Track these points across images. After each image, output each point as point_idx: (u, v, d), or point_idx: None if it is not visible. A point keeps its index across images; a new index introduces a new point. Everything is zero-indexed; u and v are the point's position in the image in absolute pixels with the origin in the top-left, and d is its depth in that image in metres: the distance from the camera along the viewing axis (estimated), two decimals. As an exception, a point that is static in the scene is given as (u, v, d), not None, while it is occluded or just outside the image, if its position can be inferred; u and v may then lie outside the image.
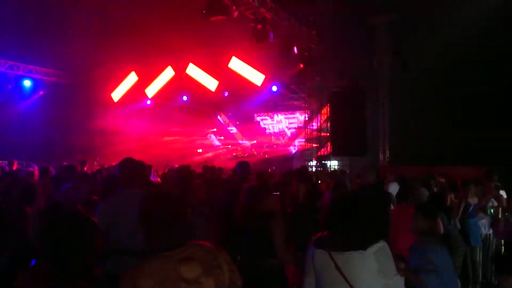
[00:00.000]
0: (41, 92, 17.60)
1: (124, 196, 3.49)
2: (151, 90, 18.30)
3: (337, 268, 2.25)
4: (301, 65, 14.55)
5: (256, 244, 3.37)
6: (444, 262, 3.05)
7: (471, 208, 6.09)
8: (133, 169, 3.66)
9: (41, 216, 3.53)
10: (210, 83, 17.76)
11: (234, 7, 10.76)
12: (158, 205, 2.03)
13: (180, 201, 2.09)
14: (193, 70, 17.03)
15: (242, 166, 5.22)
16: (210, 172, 10.17)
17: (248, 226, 3.42)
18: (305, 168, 10.25)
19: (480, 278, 5.95)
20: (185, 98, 21.17)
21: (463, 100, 13.74)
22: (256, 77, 16.98)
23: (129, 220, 2.99)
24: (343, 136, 15.46)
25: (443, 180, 8.74)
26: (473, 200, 6.18)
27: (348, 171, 15.46)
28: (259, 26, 11.62)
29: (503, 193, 7.37)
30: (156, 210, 2.00)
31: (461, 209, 6.01)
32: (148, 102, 19.53)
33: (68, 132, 18.05)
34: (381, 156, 16.30)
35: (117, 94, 18.52)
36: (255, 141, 24.59)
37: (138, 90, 19.04)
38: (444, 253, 3.12)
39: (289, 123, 23.48)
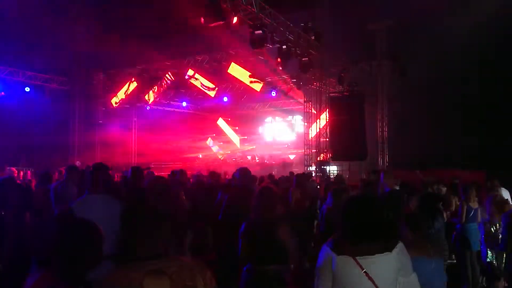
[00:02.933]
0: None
1: (92, 200, 3.49)
2: (151, 95, 18.33)
3: (365, 273, 2.25)
4: (300, 71, 14.57)
5: (263, 249, 3.36)
6: (424, 273, 3.01)
7: (472, 212, 6.10)
8: (101, 174, 3.66)
9: (49, 224, 3.56)
10: (210, 88, 17.83)
11: (233, 13, 10.81)
12: (141, 214, 1.98)
13: (163, 213, 2.04)
14: (192, 76, 17.08)
15: (242, 172, 5.18)
16: (213, 177, 10.17)
17: (258, 232, 3.40)
18: (303, 174, 10.24)
19: (480, 282, 5.93)
20: (184, 104, 21.23)
21: (461, 105, 13.79)
22: (255, 82, 17.04)
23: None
24: (342, 141, 15.48)
25: (443, 187, 8.76)
26: (474, 205, 6.18)
27: (347, 176, 15.51)
28: (258, 32, 11.66)
29: (506, 193, 7.39)
30: (138, 219, 1.96)
31: (464, 214, 6.03)
32: (148, 107, 19.53)
33: (67, 136, 18.09)
34: (380, 161, 16.31)
35: (116, 100, 18.55)
36: (254, 146, 24.63)
37: (137, 95, 19.08)
38: (426, 264, 3.06)
39: (288, 128, 23.52)
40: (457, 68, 13.30)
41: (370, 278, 2.25)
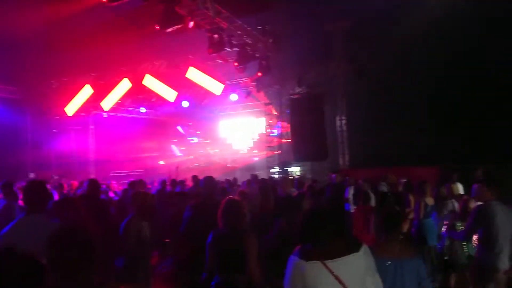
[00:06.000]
0: None
1: (28, 222, 3.18)
2: (107, 103, 17.81)
3: (335, 276, 2.28)
4: (259, 73, 14.61)
5: (228, 260, 3.37)
6: (395, 274, 3.07)
7: (428, 208, 6.31)
8: (37, 193, 3.35)
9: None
10: (169, 93, 17.51)
11: (190, 18, 10.68)
12: (66, 244, 1.83)
13: (91, 241, 1.90)
14: (150, 81, 16.73)
15: (207, 182, 5.09)
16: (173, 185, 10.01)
17: (224, 243, 3.40)
18: (267, 179, 10.29)
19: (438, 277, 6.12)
20: (143, 109, 20.79)
21: (416, 103, 14.29)
22: (215, 86, 16.91)
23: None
24: (304, 141, 15.68)
25: (404, 180, 9.07)
26: (429, 201, 6.40)
27: (310, 176, 15.72)
28: (216, 36, 11.59)
29: (460, 187, 7.72)
30: (63, 251, 1.82)
31: (422, 209, 6.22)
32: (105, 115, 18.98)
33: (19, 148, 17.27)
34: (341, 160, 16.63)
35: (71, 108, 17.89)
36: (217, 150, 24.47)
37: (93, 103, 18.53)
38: (386, 266, 3.08)
39: (250, 131, 23.53)
40: (412, 68, 13.79)
41: (340, 281, 2.29)
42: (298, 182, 9.30)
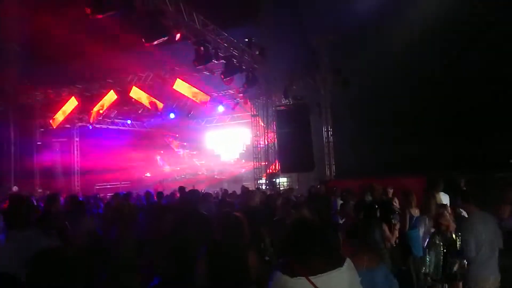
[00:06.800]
0: None
1: (12, 239, 3.11)
2: (93, 114, 17.67)
3: None
4: (245, 85, 14.68)
5: (225, 274, 3.31)
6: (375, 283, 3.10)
7: (413, 219, 6.31)
8: (20, 208, 3.26)
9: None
10: (155, 105, 17.46)
11: (176, 30, 10.71)
12: (47, 268, 1.79)
13: (75, 264, 1.87)
14: (136, 93, 16.66)
15: (190, 195, 5.08)
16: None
17: (222, 255, 3.35)
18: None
19: (425, 288, 6.14)
20: (129, 121, 20.68)
21: (401, 113, 14.48)
22: (201, 98, 16.93)
23: (14, 268, 2.30)
24: (290, 153, 15.74)
25: (391, 189, 9.12)
26: (414, 211, 6.41)
27: (297, 187, 15.75)
28: (202, 48, 11.63)
29: (445, 197, 7.76)
30: (44, 274, 1.77)
31: (407, 220, 6.22)
32: (90, 127, 18.82)
33: (2, 160, 16.99)
34: (327, 171, 16.70)
35: (56, 120, 17.70)
36: (203, 161, 24.40)
37: (78, 115, 18.37)
38: (375, 273, 3.15)
39: (237, 143, 23.55)
40: (397, 79, 14.01)
41: None
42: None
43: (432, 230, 5.71)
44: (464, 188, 7.32)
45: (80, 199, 8.42)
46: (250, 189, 11.60)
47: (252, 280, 3.36)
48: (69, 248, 3.16)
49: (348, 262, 2.43)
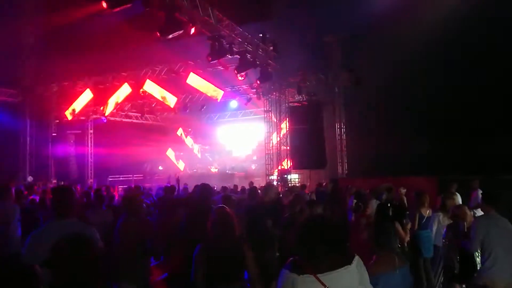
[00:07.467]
0: None
1: (57, 227, 3.14)
2: (107, 107, 17.86)
3: None
4: (259, 81, 14.67)
5: (225, 268, 3.34)
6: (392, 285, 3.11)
7: (424, 219, 6.26)
8: (65, 198, 3.36)
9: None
10: (169, 99, 17.57)
11: (191, 24, 10.74)
12: (72, 251, 1.81)
13: (95, 247, 1.92)
14: (150, 87, 16.78)
15: (202, 190, 5.09)
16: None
17: (219, 250, 3.37)
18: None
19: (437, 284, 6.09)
20: (142, 115, 20.84)
21: (415, 112, 14.32)
22: (215, 92, 16.99)
23: None
24: (302, 149, 15.68)
25: (404, 189, 9.07)
26: (425, 212, 6.34)
27: (308, 184, 15.71)
28: (216, 43, 11.64)
29: (458, 198, 7.69)
30: (70, 258, 1.78)
31: (417, 220, 6.17)
32: (104, 119, 19.03)
33: (18, 151, 17.30)
34: (339, 169, 16.64)
35: (71, 112, 17.93)
36: (215, 157, 24.50)
37: (93, 107, 18.58)
38: (394, 277, 3.16)
39: (249, 138, 23.56)
40: (411, 77, 13.85)
41: None
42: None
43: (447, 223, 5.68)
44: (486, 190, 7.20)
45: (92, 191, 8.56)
46: (268, 183, 11.65)
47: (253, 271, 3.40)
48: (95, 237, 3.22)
49: (357, 260, 2.40)
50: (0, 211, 5.07)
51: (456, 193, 8.18)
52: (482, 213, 5.06)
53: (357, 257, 2.41)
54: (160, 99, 17.45)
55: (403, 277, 3.27)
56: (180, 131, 23.93)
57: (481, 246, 4.44)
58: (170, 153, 23.54)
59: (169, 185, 11.39)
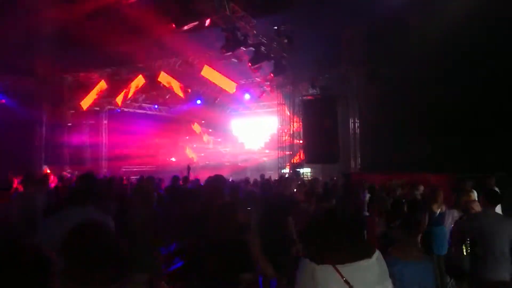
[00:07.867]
0: (3, 101, 16.98)
1: (74, 213, 3.20)
2: (121, 98, 17.99)
3: (346, 281, 2.27)
4: (273, 74, 14.61)
5: (230, 258, 3.32)
6: (415, 275, 3.10)
7: (436, 215, 6.19)
8: (90, 185, 3.45)
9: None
10: (182, 90, 17.64)
11: (206, 16, 10.75)
12: (87, 239, 1.76)
13: (113, 233, 1.88)
14: (164, 78, 16.85)
15: (216, 181, 5.11)
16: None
17: (222, 240, 3.38)
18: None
19: (449, 286, 6.03)
20: (156, 106, 20.95)
21: (429, 108, 14.12)
22: (228, 85, 16.98)
23: None
24: (315, 143, 15.62)
25: (421, 186, 8.98)
26: (437, 208, 6.25)
27: (321, 178, 15.64)
28: (231, 35, 11.62)
29: (474, 195, 7.59)
30: (83, 245, 1.74)
31: (426, 217, 6.10)
32: (118, 110, 19.18)
33: (33, 141, 17.55)
34: (352, 163, 16.52)
35: (86, 102, 18.11)
36: (228, 149, 24.55)
37: (107, 98, 18.71)
38: (417, 266, 3.17)
39: (262, 131, 23.55)
40: (426, 72, 13.63)
41: (350, 286, 2.26)
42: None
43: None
44: (496, 189, 7.08)
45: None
46: (286, 176, 11.63)
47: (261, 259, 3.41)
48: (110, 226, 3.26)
49: (377, 254, 2.39)
50: (28, 200, 5.13)
51: (473, 189, 8.06)
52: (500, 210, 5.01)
53: (377, 252, 2.40)
54: (175, 90, 17.51)
55: (423, 270, 3.23)
56: (198, 129, 24.00)
57: (475, 245, 4.38)
58: (183, 145, 23.65)
59: (179, 175, 11.45)
